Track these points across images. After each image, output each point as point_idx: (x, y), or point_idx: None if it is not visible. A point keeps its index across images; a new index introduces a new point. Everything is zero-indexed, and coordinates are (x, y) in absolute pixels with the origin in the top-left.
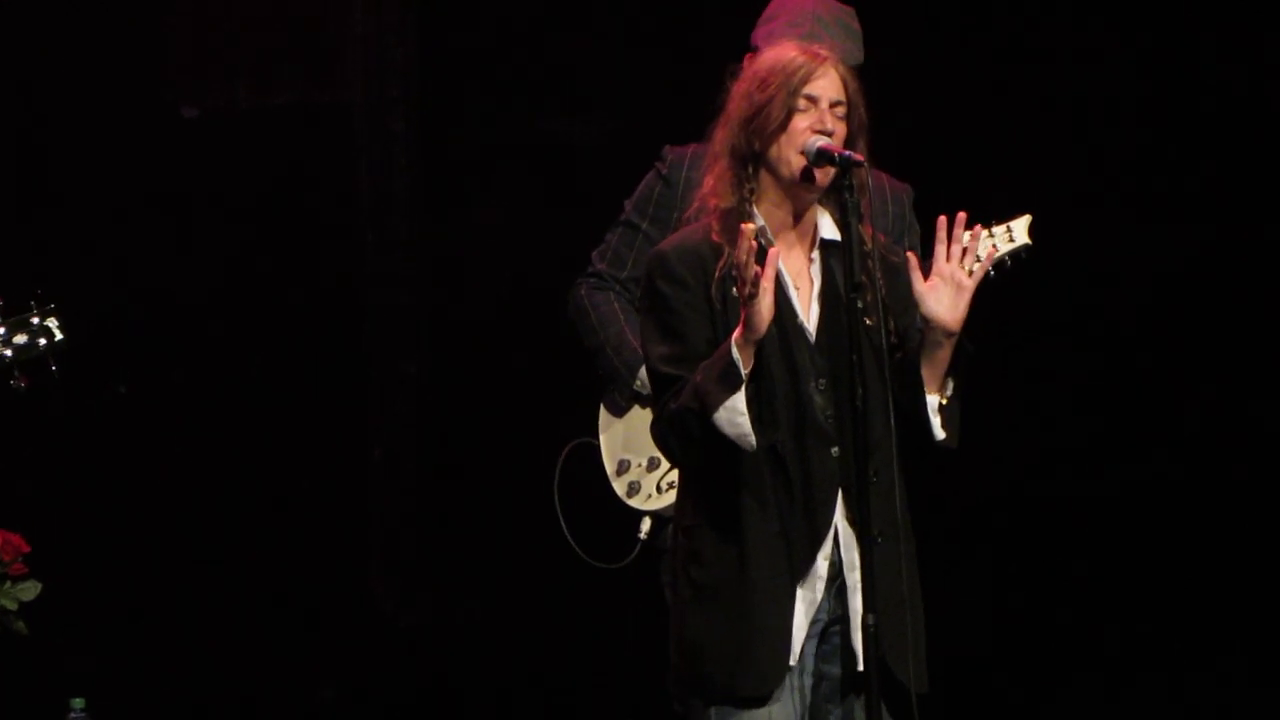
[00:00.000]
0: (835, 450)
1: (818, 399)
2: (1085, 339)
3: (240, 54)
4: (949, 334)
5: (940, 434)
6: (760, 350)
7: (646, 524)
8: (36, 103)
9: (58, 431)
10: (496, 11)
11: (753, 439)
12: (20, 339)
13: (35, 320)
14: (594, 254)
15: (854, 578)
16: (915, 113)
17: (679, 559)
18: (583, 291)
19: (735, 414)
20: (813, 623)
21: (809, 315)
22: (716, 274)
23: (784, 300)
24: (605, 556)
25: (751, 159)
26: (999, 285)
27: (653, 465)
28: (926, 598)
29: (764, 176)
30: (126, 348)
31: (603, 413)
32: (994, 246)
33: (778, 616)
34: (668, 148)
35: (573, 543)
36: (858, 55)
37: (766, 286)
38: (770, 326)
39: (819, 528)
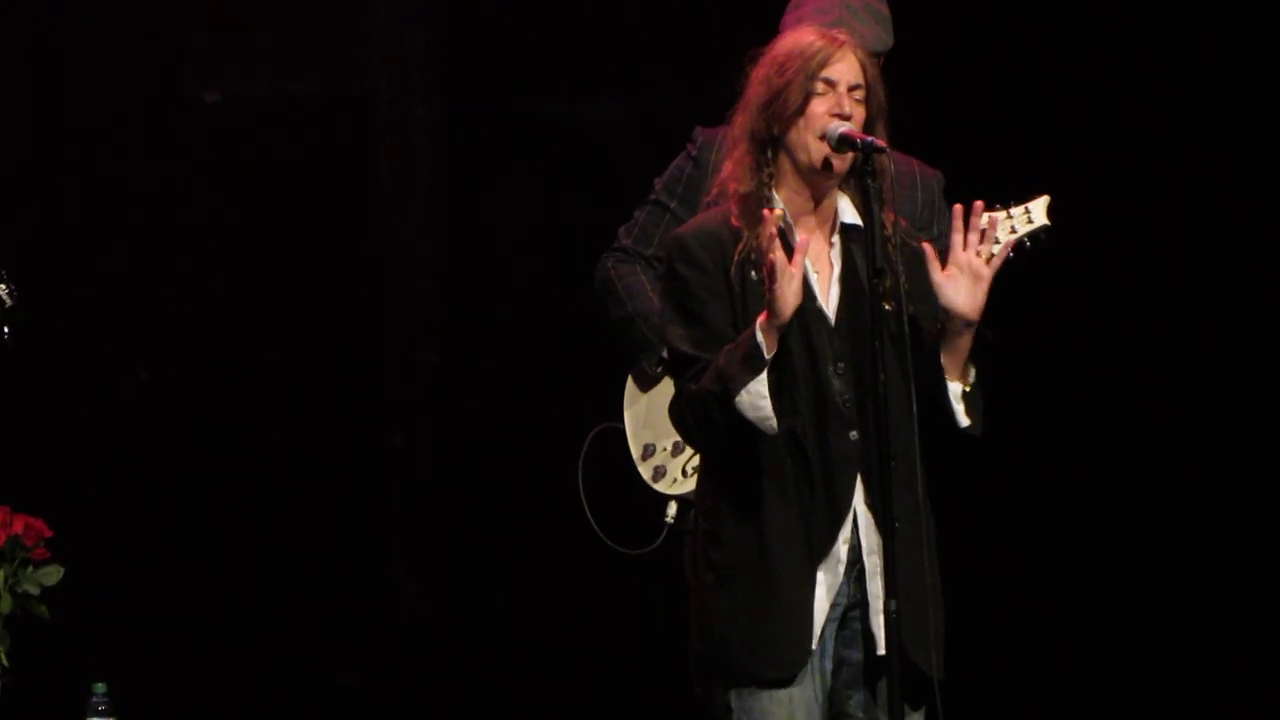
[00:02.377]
0: (854, 434)
1: (836, 383)
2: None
3: (261, 39)
4: (968, 323)
5: (965, 421)
6: (782, 334)
7: (672, 508)
8: (57, 86)
9: (80, 416)
10: None
11: (774, 422)
12: None
13: None
14: (621, 230)
15: (873, 562)
16: (939, 98)
17: (699, 542)
18: (609, 265)
19: (757, 397)
20: (833, 606)
21: (828, 299)
22: (735, 258)
23: (804, 285)
24: (631, 542)
25: (770, 143)
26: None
27: (678, 449)
28: (946, 583)
29: (783, 161)
30: (147, 333)
31: (630, 386)
32: (1013, 229)
33: (798, 599)
34: (699, 129)
35: (597, 528)
36: (887, 40)
37: (794, 271)
38: None
39: (838, 511)
